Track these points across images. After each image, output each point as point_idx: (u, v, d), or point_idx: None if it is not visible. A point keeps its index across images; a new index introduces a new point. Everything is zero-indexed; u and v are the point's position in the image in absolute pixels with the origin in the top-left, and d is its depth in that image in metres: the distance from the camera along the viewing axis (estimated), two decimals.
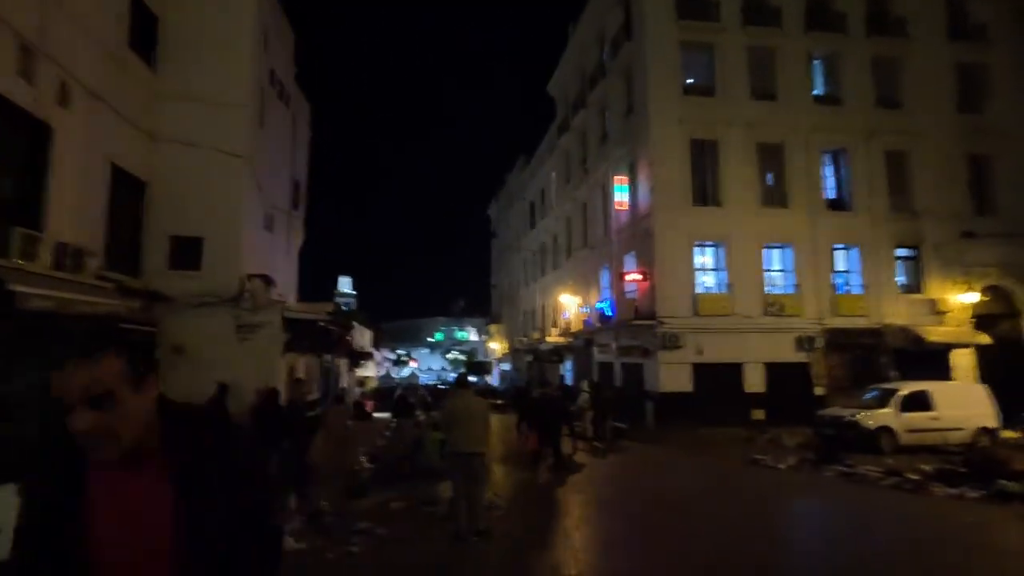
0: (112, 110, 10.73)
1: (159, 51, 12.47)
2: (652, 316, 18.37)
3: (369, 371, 35.19)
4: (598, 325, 22.98)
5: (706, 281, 19.46)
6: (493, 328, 50.69)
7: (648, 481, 10.56)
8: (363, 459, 11.51)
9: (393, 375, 63.98)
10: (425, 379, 60.96)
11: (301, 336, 13.13)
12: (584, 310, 25.24)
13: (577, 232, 27.36)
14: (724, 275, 19.24)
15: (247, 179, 13.37)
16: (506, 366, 45.53)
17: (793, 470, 10.85)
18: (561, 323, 28.70)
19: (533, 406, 12.20)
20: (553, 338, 30.06)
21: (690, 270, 18.92)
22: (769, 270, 19.66)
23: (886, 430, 12.68)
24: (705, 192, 19.49)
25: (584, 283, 25.97)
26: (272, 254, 17.74)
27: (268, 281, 12.70)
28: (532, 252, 36.79)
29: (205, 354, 11.84)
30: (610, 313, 22.08)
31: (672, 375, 18.09)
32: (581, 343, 25.62)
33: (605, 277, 23.75)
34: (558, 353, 29.58)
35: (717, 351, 18.30)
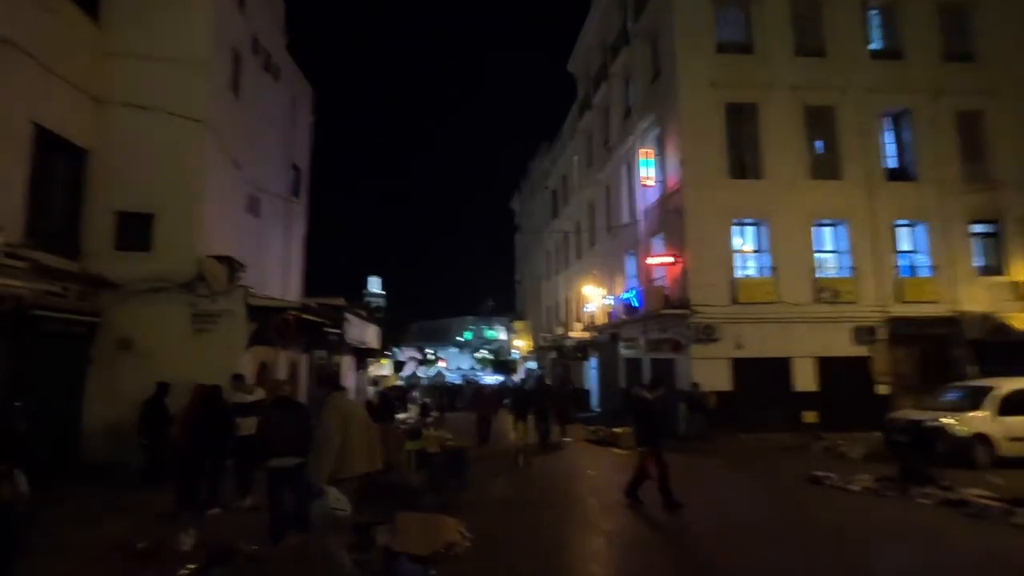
0: (37, 63, 9.19)
1: (106, 3, 10.92)
2: (684, 305, 16.08)
3: (385, 370, 33.64)
4: (624, 317, 20.74)
5: (746, 264, 17.02)
6: (518, 325, 48.76)
7: (686, 510, 7.61)
8: None
9: (420, 374, 62.95)
10: (452, 377, 60.11)
11: (283, 329, 11.40)
12: (609, 301, 23.01)
13: (601, 217, 25.14)
14: (767, 257, 16.77)
15: (211, 149, 11.72)
16: (532, 364, 43.54)
17: (872, 494, 8.36)
18: (585, 317, 26.52)
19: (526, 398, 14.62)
20: (577, 333, 27.90)
21: (727, 252, 16.52)
22: (820, 251, 17.08)
23: (981, 438, 10.16)
24: (743, 163, 17.05)
25: (608, 272, 23.76)
26: (259, 240, 16.18)
27: (232, 265, 11.02)
28: (554, 243, 34.72)
29: (156, 348, 10.26)
30: (637, 304, 19.81)
31: (708, 372, 15.74)
32: (606, 338, 23.41)
33: (631, 264, 21.50)
34: (582, 349, 27.42)
35: (760, 344, 15.88)
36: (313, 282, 24.05)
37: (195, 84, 11.30)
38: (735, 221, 16.85)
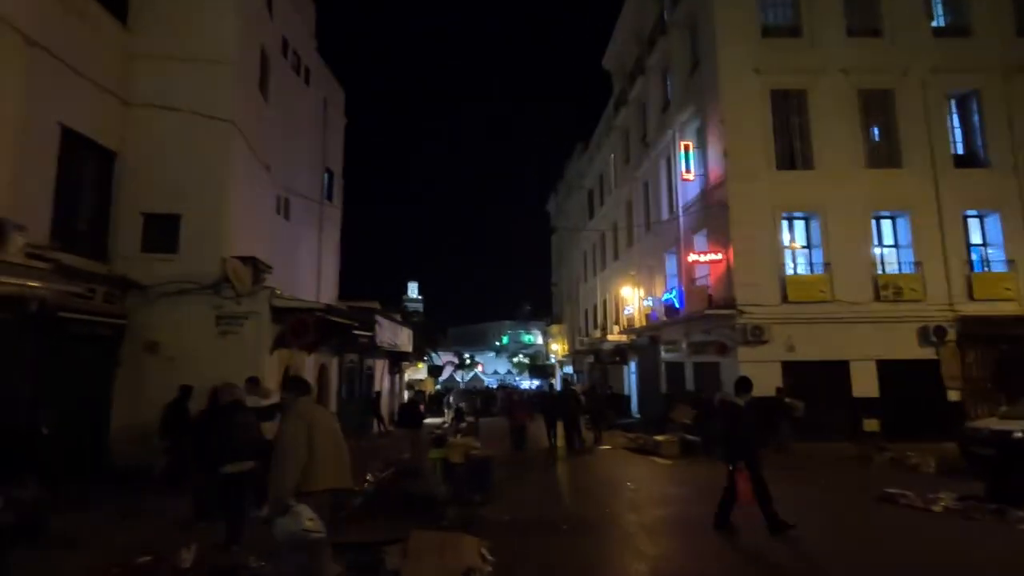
0: (65, 66, 9.17)
1: (133, 5, 10.92)
2: (730, 305, 15.09)
3: (421, 374, 33.45)
4: (664, 319, 19.80)
5: (797, 261, 15.90)
6: (554, 329, 47.97)
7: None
8: (369, 477, 9.26)
9: (457, 378, 62.95)
10: (489, 382, 60.01)
11: (300, 330, 11.12)
12: (648, 303, 22.08)
13: (639, 216, 24.23)
14: (819, 252, 15.61)
15: (239, 150, 11.58)
16: (568, 369, 42.69)
17: (959, 516, 7.17)
18: (623, 320, 25.60)
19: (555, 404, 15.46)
20: (615, 336, 26.97)
21: (776, 248, 15.44)
22: (880, 245, 15.82)
23: None
24: (792, 153, 15.96)
25: (648, 272, 22.83)
26: (290, 243, 16.10)
27: (258, 266, 10.80)
28: (591, 244, 33.90)
29: (181, 351, 10.10)
30: (678, 305, 18.87)
31: (757, 376, 14.48)
32: (646, 341, 22.47)
33: (671, 263, 20.54)
34: (620, 353, 26.48)
35: (814, 346, 14.74)
36: (351, 287, 24.12)
37: (222, 84, 11.18)
38: (784, 215, 15.77)
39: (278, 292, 10.93)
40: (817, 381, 14.59)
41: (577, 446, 15.04)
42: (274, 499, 3.93)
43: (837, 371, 14.76)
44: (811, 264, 15.76)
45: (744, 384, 7.10)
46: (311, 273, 18.56)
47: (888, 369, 14.71)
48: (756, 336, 14.69)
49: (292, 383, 4.83)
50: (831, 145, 15.69)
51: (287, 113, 15.79)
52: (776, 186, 15.48)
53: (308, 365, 12.94)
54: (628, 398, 26.00)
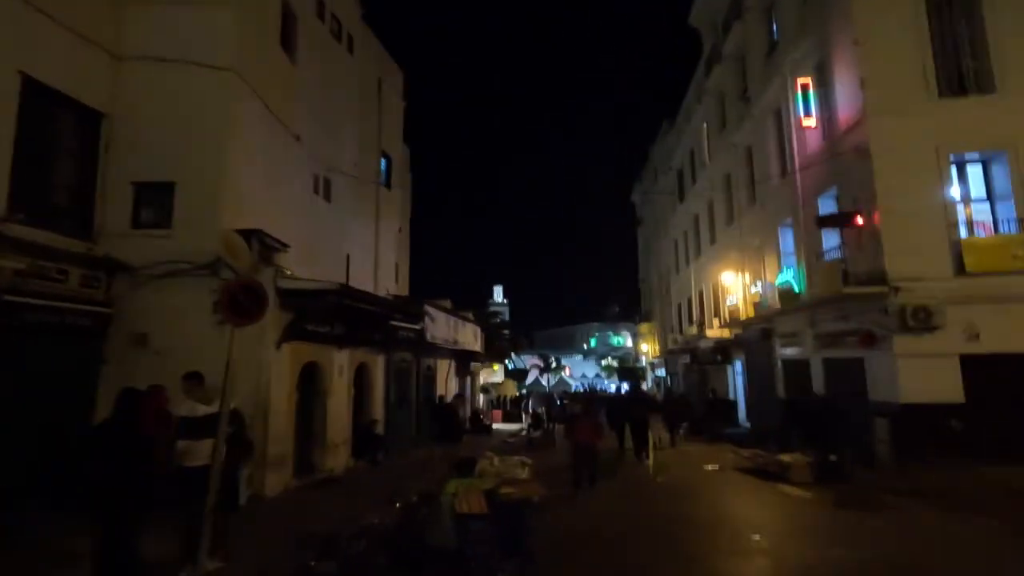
0: (32, 7, 7.68)
1: None
2: (878, 280, 11.33)
3: (498, 377, 31.23)
4: (779, 307, 16.06)
5: (975, 218, 11.76)
6: (643, 328, 44.07)
7: None
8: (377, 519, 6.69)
9: (543, 382, 60.77)
10: (576, 386, 57.41)
11: (323, 317, 9.05)
12: (757, 290, 18.29)
13: (740, 189, 20.44)
14: (1008, 206, 11.40)
15: (245, 104, 9.77)
16: (661, 371, 38.75)
17: None
18: (725, 312, 21.80)
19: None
20: (715, 332, 23.17)
21: (942, 201, 11.44)
22: None
23: None
24: (960, 73, 11.88)
25: (754, 253, 19.02)
26: (334, 228, 14.32)
27: (264, 241, 8.86)
28: (682, 230, 30.14)
29: (172, 344, 8.31)
30: (798, 288, 15.13)
31: (921, 375, 10.83)
32: (755, 335, 18.67)
33: (786, 239, 16.71)
34: (722, 351, 22.66)
35: (1006, 334, 10.66)
36: (434, 291, 22.47)
37: (222, 28, 9.42)
38: (953, 157, 11.72)
39: (287, 272, 8.94)
40: (1011, 382, 10.51)
41: (643, 459, 12.87)
42: None
43: None
44: (997, 222, 11.57)
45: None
46: (365, 264, 16.79)
47: None
48: (921, 321, 10.81)
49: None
50: (1018, 59, 11.46)
51: (327, 83, 14.07)
52: (939, 119, 11.50)
53: (340, 363, 10.89)
54: (734, 404, 22.12)
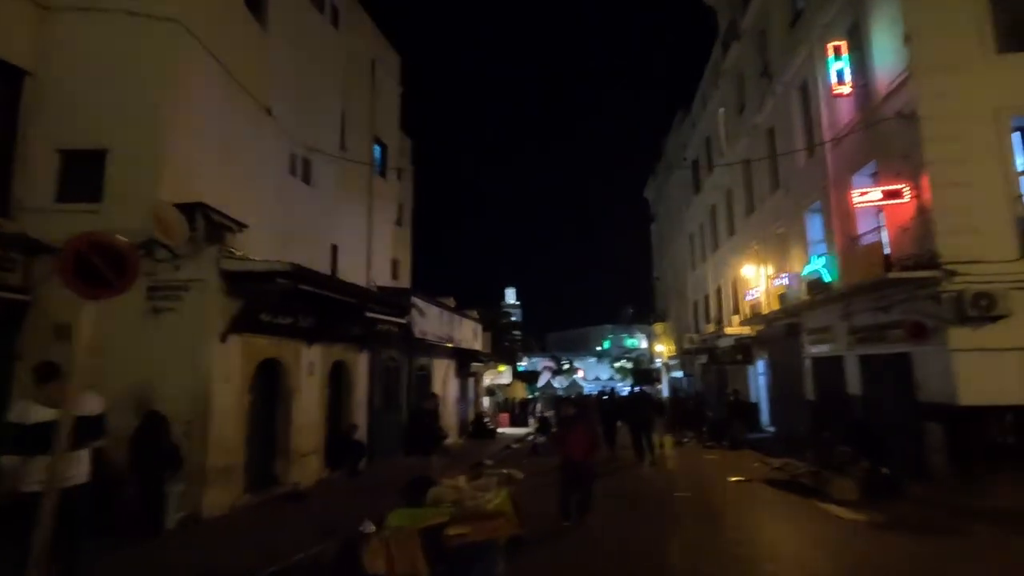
0: None
1: None
2: (929, 264, 9.79)
3: (504, 378, 29.84)
4: (807, 298, 14.51)
5: None
6: (658, 328, 42.41)
7: None
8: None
9: (555, 384, 59.38)
10: (589, 388, 55.86)
11: (282, 306, 7.78)
12: (782, 282, 16.71)
13: (761, 175, 18.90)
14: None
15: (193, 60, 8.55)
16: (678, 373, 37.07)
17: None
18: (745, 308, 20.24)
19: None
20: (735, 329, 21.58)
21: (1005, 172, 9.89)
22: None
23: None
24: (1021, 25, 10.31)
25: (777, 243, 17.47)
26: (316, 215, 13.10)
27: (210, 216, 7.62)
28: (698, 223, 28.59)
29: (99, 336, 7.03)
30: (828, 278, 13.58)
31: (984, 372, 9.26)
32: (780, 331, 17.12)
33: (814, 225, 15.16)
34: (743, 350, 21.06)
35: None
36: (442, 290, 21.26)
37: None
38: (1015, 121, 10.15)
39: (237, 252, 7.69)
40: None
41: (646, 462, 13.03)
42: None
43: None
44: None
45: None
46: (356, 255, 15.57)
47: None
48: (980, 308, 9.25)
49: None
50: None
51: (308, 57, 12.89)
52: (998, 78, 9.95)
53: (309, 360, 9.61)
54: (756, 406, 20.52)
